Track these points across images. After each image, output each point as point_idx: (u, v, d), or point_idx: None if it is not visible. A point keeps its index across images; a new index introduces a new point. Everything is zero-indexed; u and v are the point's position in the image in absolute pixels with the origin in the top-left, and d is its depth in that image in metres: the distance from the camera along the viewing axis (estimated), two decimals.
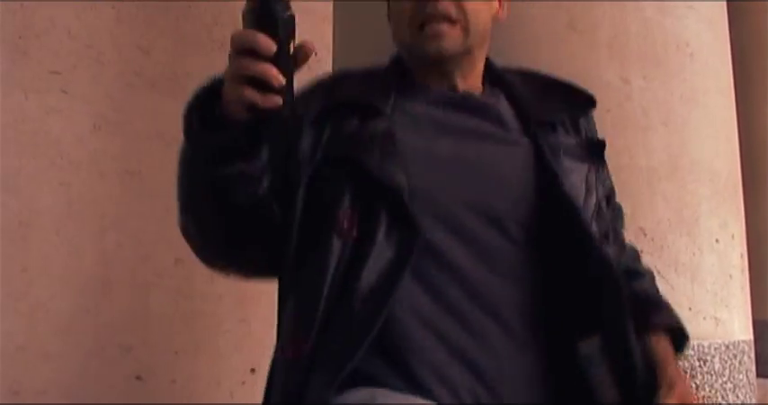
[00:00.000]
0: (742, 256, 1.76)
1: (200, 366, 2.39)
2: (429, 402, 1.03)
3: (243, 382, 2.26)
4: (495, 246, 1.12)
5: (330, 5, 1.80)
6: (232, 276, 1.28)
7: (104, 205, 2.25)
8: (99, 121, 2.26)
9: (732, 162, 1.59)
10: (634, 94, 1.47)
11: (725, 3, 1.69)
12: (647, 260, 1.41)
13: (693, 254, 1.47)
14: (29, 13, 2.15)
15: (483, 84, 1.26)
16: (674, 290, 1.44)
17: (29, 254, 2.08)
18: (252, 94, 0.91)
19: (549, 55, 1.46)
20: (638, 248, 1.35)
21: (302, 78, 2.80)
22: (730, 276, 1.52)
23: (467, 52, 1.21)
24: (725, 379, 1.41)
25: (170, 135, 2.50)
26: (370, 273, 1.06)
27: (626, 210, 1.36)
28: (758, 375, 2.07)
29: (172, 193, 2.41)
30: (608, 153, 1.46)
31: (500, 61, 1.38)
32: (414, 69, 1.24)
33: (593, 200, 1.19)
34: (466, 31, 1.17)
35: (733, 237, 1.55)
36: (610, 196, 1.31)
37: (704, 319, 1.46)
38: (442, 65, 1.21)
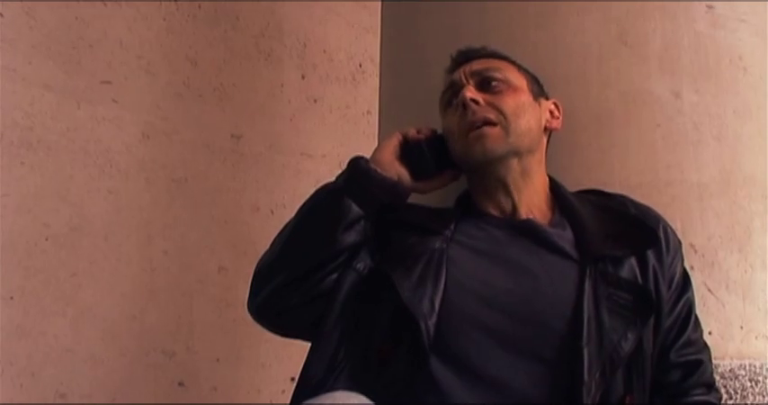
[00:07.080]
0: None
1: (242, 374, 2.41)
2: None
3: (283, 391, 2.26)
4: (513, 386, 1.11)
5: (377, 17, 1.81)
6: (278, 330, 1.30)
7: (151, 213, 2.28)
8: (148, 131, 2.30)
9: None
10: (685, 108, 1.43)
11: None
12: (698, 277, 1.38)
13: (745, 271, 1.43)
14: (82, 25, 2.20)
15: (553, 210, 1.27)
16: (725, 307, 1.40)
17: (78, 259, 2.12)
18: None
19: (599, 68, 1.44)
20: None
21: (348, 90, 2.81)
22: None
23: (514, 154, 1.25)
24: None
25: (216, 144, 2.56)
26: (385, 384, 1.12)
27: (676, 225, 1.33)
28: None
29: (217, 202, 2.45)
30: (658, 168, 1.42)
31: (550, 75, 1.38)
32: (476, 198, 1.29)
33: (627, 349, 1.11)
34: (507, 131, 1.24)
35: None
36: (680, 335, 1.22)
37: (756, 338, 1.42)
38: (493, 169, 1.25)
